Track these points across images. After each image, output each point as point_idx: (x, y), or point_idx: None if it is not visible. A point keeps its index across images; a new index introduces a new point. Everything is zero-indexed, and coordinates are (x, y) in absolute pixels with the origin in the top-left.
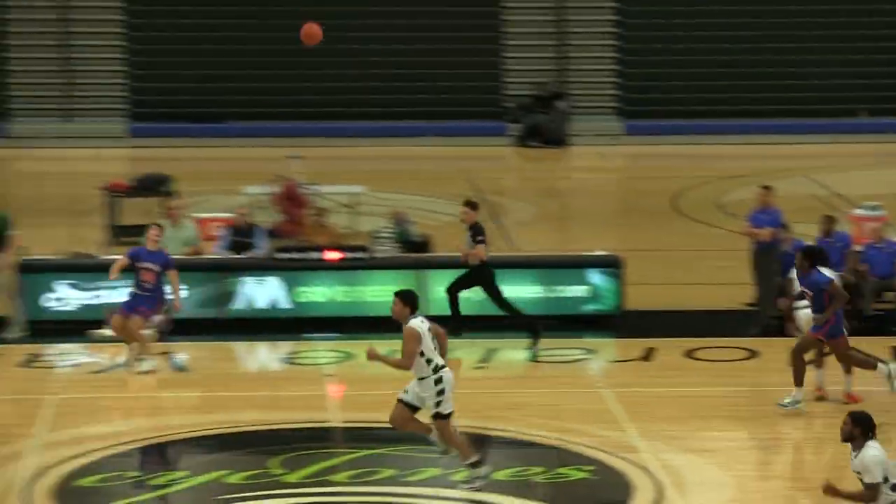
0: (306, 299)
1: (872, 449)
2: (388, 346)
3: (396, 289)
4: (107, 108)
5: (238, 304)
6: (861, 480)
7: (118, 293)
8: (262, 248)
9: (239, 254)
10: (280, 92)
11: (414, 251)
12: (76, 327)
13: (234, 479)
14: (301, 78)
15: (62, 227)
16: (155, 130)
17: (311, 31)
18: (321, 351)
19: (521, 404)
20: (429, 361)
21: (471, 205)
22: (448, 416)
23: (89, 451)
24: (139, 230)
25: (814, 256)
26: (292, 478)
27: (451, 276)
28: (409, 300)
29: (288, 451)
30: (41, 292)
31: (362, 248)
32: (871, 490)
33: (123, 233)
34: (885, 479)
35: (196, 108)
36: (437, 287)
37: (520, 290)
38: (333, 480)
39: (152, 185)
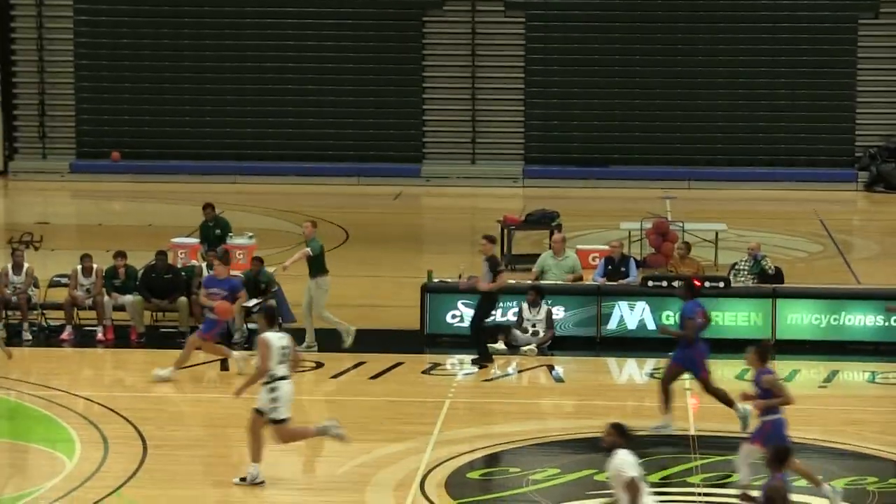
0: (671, 322)
1: (620, 455)
2: (740, 365)
3: (750, 314)
4: (506, 153)
5: (611, 325)
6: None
7: (506, 314)
8: (633, 276)
9: (613, 281)
10: (654, 140)
11: (767, 282)
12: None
13: (602, 477)
14: (672, 128)
15: (463, 255)
16: (546, 173)
17: None
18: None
19: (859, 420)
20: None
21: (489, 238)
22: (281, 421)
23: (479, 449)
24: (530, 259)
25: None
26: (654, 478)
27: (799, 305)
28: (267, 316)
29: (650, 455)
30: (445, 310)
31: (721, 279)
32: (631, 485)
33: (516, 260)
34: None
35: (582, 153)
36: (788, 314)
37: (862, 318)
38: (690, 482)
39: (541, 220)
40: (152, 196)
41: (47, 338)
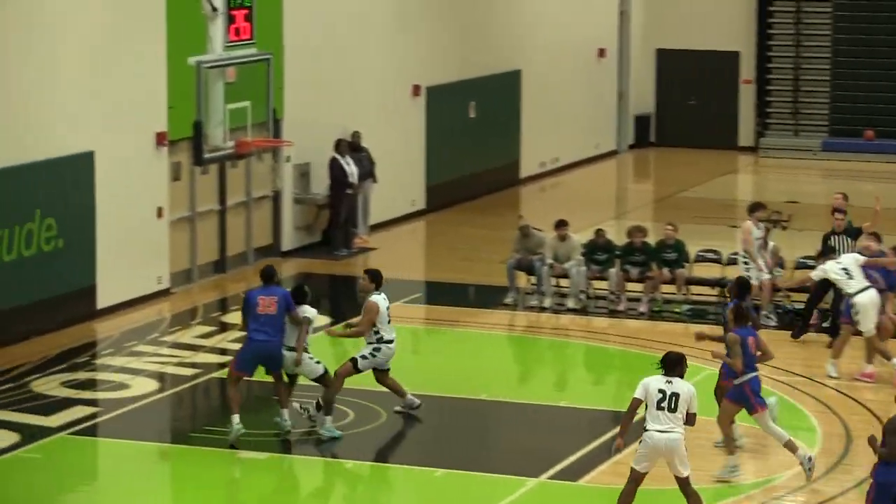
0: None
1: (647, 378)
2: None
3: None
4: None
5: None
6: None
7: None
8: None
9: None
10: None
11: None
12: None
13: None
14: None
15: None
16: None
17: None
18: None
19: None
20: (376, 332)
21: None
22: (357, 370)
23: None
24: None
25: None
26: None
27: None
28: (374, 278)
29: None
30: None
31: None
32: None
33: None
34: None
35: None
36: None
37: None
38: None
39: None
40: None
41: (791, 321)
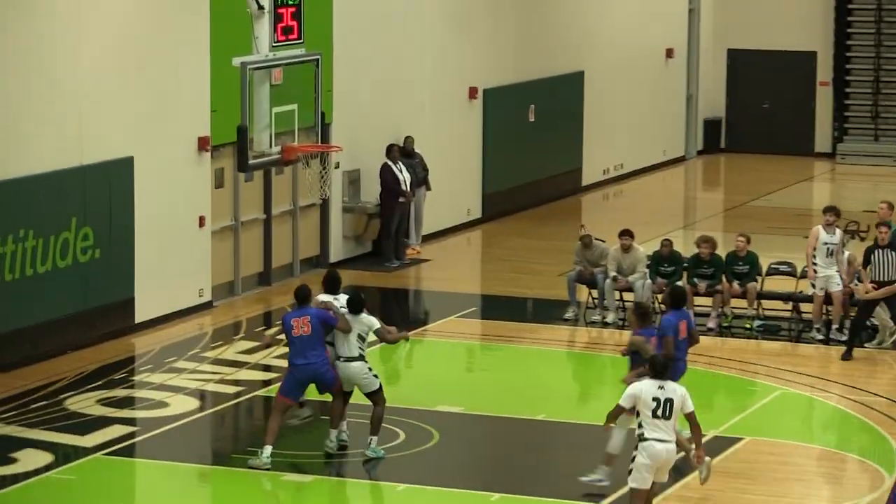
0: None
1: (636, 384)
2: None
3: None
4: None
5: None
6: None
7: None
8: None
9: None
10: None
11: None
12: None
13: None
14: None
15: None
16: None
17: None
18: None
19: None
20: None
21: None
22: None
23: None
24: None
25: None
26: None
27: None
28: (325, 281)
29: None
30: None
31: None
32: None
33: None
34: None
35: None
36: None
37: None
38: None
39: None
40: None
41: (870, 337)
